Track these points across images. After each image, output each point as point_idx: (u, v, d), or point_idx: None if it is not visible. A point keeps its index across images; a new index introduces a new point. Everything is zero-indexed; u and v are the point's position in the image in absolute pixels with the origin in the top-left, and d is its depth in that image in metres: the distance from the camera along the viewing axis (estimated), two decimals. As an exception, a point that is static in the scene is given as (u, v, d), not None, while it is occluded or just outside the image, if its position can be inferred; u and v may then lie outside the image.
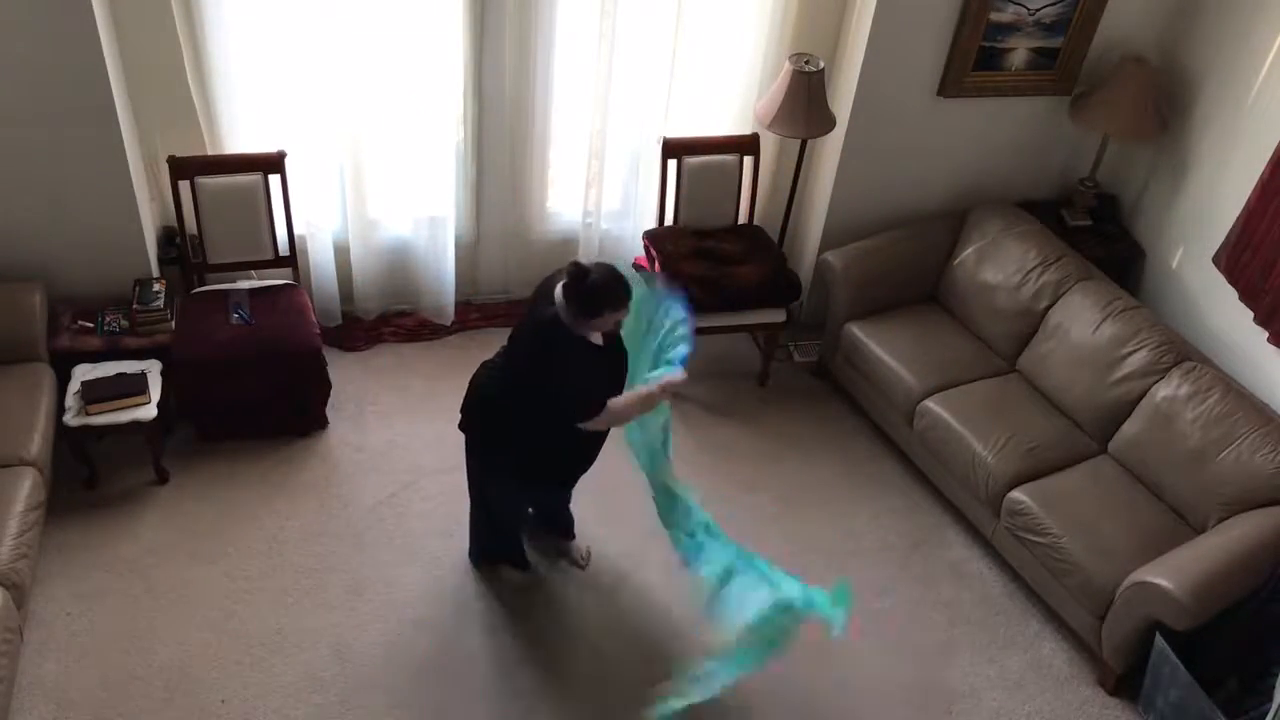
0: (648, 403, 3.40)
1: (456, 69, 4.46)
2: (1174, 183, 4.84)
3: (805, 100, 4.44)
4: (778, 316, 4.80)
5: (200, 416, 4.43)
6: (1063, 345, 4.43)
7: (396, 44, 4.38)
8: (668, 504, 3.58)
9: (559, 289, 3.23)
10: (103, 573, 3.92)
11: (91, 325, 4.31)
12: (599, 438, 3.51)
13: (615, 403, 3.32)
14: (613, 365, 3.44)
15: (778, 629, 3.28)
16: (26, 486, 3.72)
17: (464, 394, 3.61)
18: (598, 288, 3.18)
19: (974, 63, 4.66)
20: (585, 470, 3.65)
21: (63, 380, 4.13)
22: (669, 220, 4.92)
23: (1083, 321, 4.40)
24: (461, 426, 3.61)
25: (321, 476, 4.38)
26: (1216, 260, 4.44)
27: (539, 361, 3.27)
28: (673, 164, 4.79)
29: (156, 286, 4.39)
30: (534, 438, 3.40)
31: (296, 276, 4.67)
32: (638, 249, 4.98)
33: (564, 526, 4.12)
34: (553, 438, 3.40)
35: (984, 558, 4.34)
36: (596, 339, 3.34)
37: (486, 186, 4.84)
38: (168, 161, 4.32)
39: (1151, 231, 5.01)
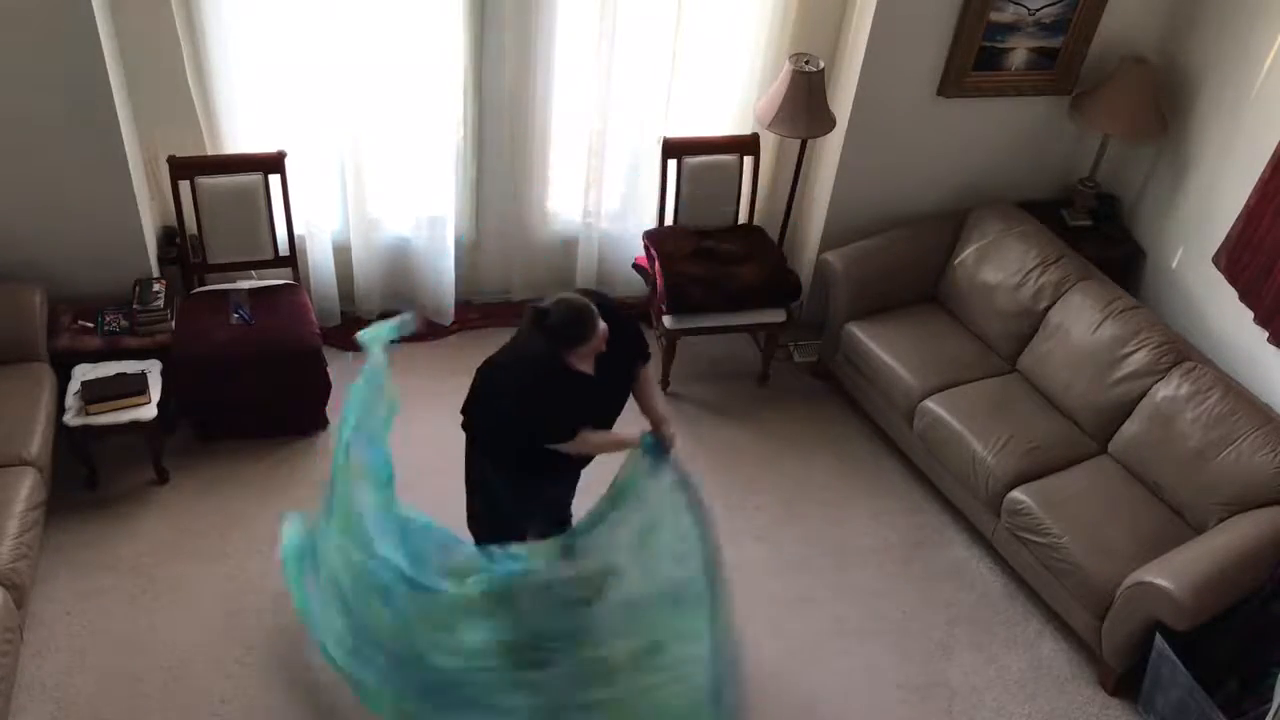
0: (620, 445, 3.44)
1: (456, 69, 4.46)
2: (1174, 183, 4.84)
3: (805, 100, 4.44)
4: (778, 316, 4.80)
5: (200, 416, 4.44)
6: (1063, 345, 4.43)
7: (396, 44, 4.38)
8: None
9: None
10: (103, 572, 3.92)
11: (91, 325, 4.32)
12: (563, 471, 3.52)
13: (591, 435, 3.35)
14: (598, 394, 3.40)
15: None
16: (26, 486, 3.72)
17: (466, 393, 3.61)
18: (556, 329, 3.18)
19: (974, 63, 4.66)
20: (543, 515, 3.60)
21: (63, 380, 4.13)
22: (669, 220, 4.92)
23: (1083, 321, 4.40)
24: (464, 426, 3.61)
25: (322, 476, 4.36)
26: (1216, 260, 4.44)
27: (524, 396, 3.30)
28: (673, 164, 4.79)
29: (156, 286, 4.39)
30: (510, 470, 3.46)
31: (296, 276, 4.67)
32: (638, 249, 4.98)
33: None
34: (523, 468, 3.43)
35: (984, 558, 4.34)
36: (586, 367, 3.31)
37: (486, 186, 4.84)
38: (168, 161, 4.32)
39: (1151, 231, 5.01)
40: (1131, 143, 4.97)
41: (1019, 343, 4.62)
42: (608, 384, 3.42)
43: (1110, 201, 5.22)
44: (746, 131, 4.84)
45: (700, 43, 4.66)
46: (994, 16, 4.55)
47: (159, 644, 3.73)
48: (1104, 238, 5.06)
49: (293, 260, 4.63)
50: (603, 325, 3.24)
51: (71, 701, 3.54)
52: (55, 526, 3.98)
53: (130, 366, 4.16)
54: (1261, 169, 4.14)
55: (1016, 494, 4.09)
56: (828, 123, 4.58)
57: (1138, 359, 4.23)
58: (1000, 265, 4.68)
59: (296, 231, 4.59)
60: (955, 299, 4.82)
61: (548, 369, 3.26)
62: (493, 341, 3.93)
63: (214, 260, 4.53)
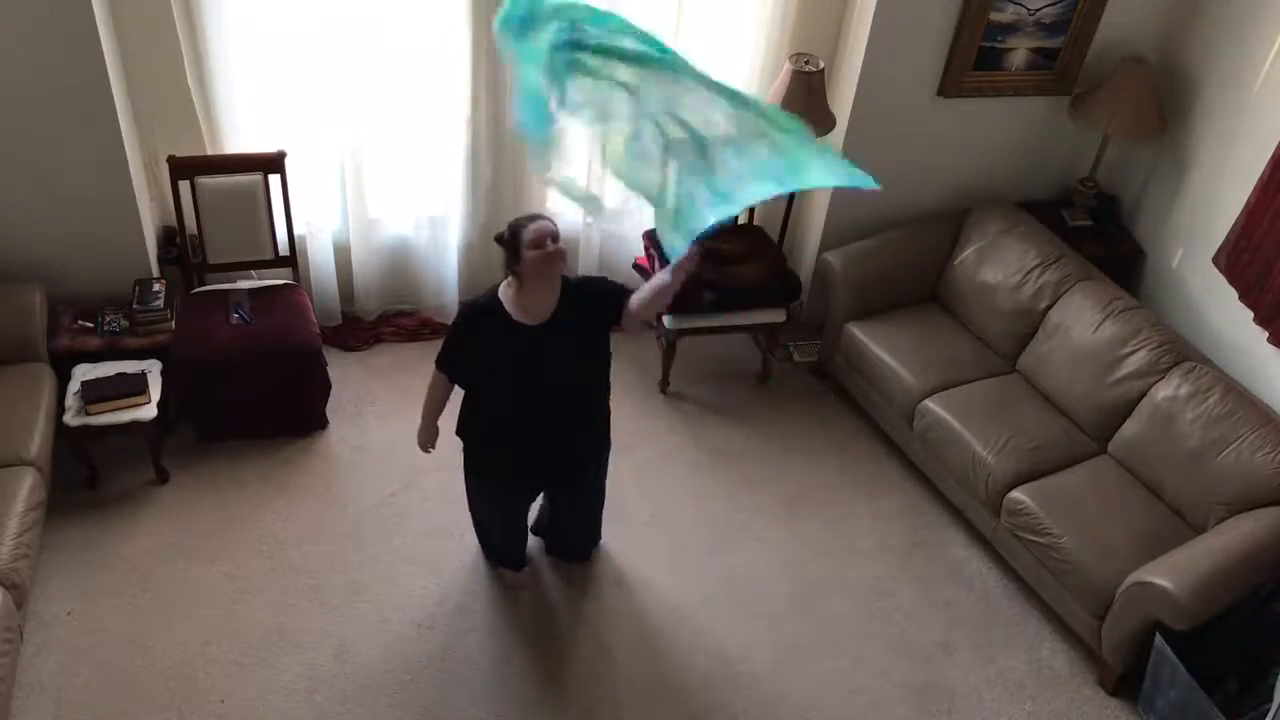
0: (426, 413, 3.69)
1: (458, 69, 4.46)
2: (1174, 183, 4.84)
3: (805, 100, 4.44)
4: (778, 316, 4.80)
5: (200, 416, 4.44)
6: (1063, 345, 4.43)
7: (397, 44, 4.38)
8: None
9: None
10: (103, 573, 3.93)
11: (91, 325, 4.32)
12: (504, 418, 3.52)
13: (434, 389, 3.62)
14: (540, 347, 3.35)
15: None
16: (26, 486, 3.72)
17: None
18: (511, 224, 3.30)
19: (974, 63, 4.66)
20: (514, 469, 3.64)
21: (63, 380, 4.13)
22: (669, 220, 4.91)
23: (1083, 321, 4.40)
24: None
25: (321, 476, 4.38)
26: (1216, 260, 4.44)
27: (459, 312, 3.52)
28: (673, 164, 4.78)
29: (156, 286, 4.40)
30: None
31: (296, 276, 4.67)
32: (638, 249, 4.99)
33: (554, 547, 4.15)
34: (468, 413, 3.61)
35: (984, 558, 4.34)
36: (527, 318, 3.33)
37: (488, 186, 4.84)
38: (168, 161, 4.32)
39: (1151, 231, 5.01)
40: (1131, 143, 4.97)
41: (1019, 343, 4.62)
42: (562, 340, 3.34)
43: (1110, 201, 5.22)
44: (746, 131, 4.83)
45: (700, 43, 4.66)
46: (994, 16, 4.55)
47: (159, 644, 3.73)
48: (1104, 238, 5.06)
49: (293, 260, 4.63)
50: (544, 222, 3.26)
51: (71, 701, 3.54)
52: (55, 526, 3.98)
53: (130, 366, 4.16)
54: (1261, 169, 4.14)
55: (1016, 494, 4.09)
56: (828, 123, 4.58)
57: (1138, 359, 4.23)
58: (1000, 265, 4.68)
59: (296, 231, 4.59)
60: (955, 299, 4.82)
61: (485, 301, 3.38)
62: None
63: (214, 260, 4.53)
